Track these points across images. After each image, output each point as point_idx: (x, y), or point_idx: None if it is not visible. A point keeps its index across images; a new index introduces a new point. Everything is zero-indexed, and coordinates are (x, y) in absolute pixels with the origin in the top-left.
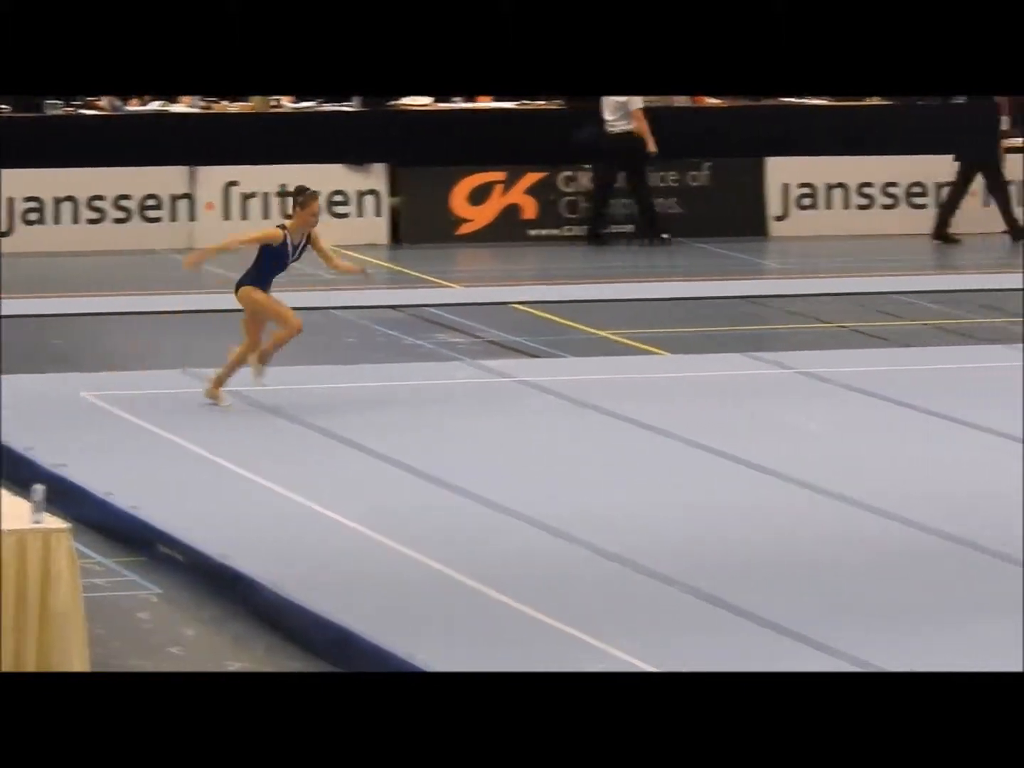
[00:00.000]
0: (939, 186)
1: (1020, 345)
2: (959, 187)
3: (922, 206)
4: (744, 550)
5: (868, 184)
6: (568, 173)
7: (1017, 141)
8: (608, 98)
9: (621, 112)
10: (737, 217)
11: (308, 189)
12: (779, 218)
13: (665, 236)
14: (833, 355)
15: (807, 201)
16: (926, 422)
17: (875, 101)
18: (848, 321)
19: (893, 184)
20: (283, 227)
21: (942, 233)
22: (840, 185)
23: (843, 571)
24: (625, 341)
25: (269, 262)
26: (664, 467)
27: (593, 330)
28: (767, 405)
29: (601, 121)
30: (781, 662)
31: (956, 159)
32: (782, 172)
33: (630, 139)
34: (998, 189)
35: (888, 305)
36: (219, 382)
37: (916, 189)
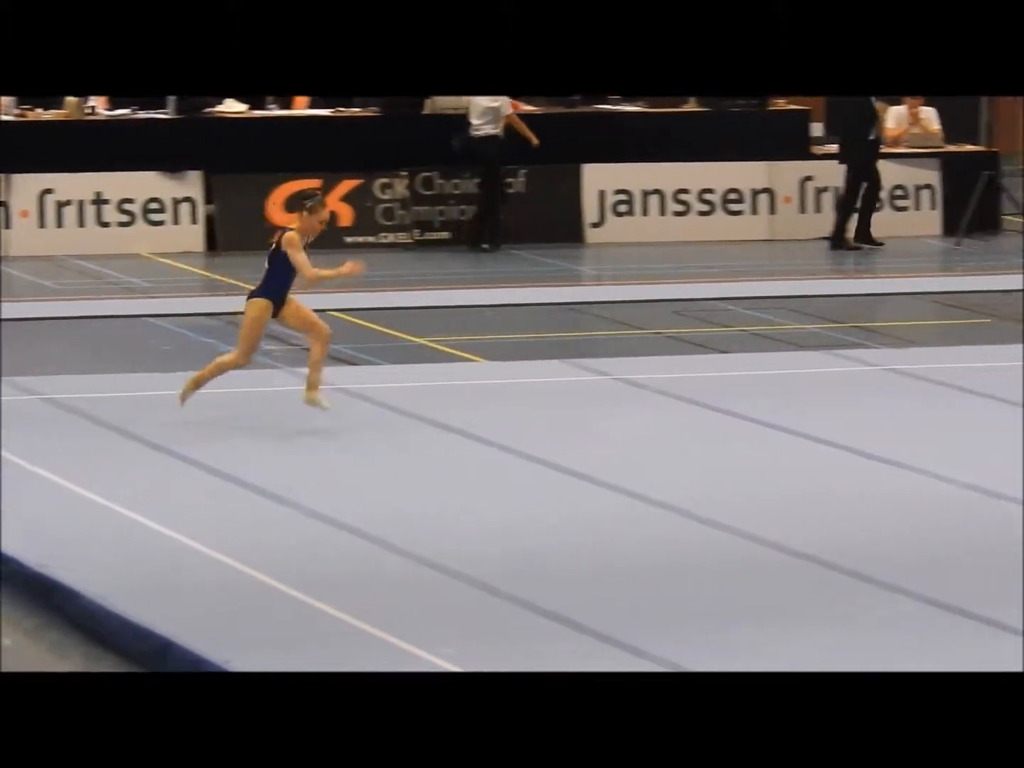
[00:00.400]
0: (755, 192)
1: (836, 351)
2: (851, 193)
3: (738, 212)
4: (562, 556)
5: (684, 191)
6: (384, 180)
7: (833, 148)
8: (476, 103)
9: (489, 116)
10: (553, 224)
11: (317, 195)
12: (595, 225)
13: (486, 247)
14: (649, 361)
15: (623, 208)
16: (743, 428)
17: (691, 108)
18: (664, 327)
19: (709, 191)
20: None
21: (846, 241)
22: (656, 192)
23: (662, 576)
24: (444, 348)
25: (282, 270)
26: (483, 474)
27: (411, 337)
28: (584, 411)
29: (468, 125)
30: (598, 667)
31: (841, 162)
32: (598, 179)
33: (494, 143)
34: (858, 196)
35: (704, 311)
36: (313, 386)
37: (732, 196)
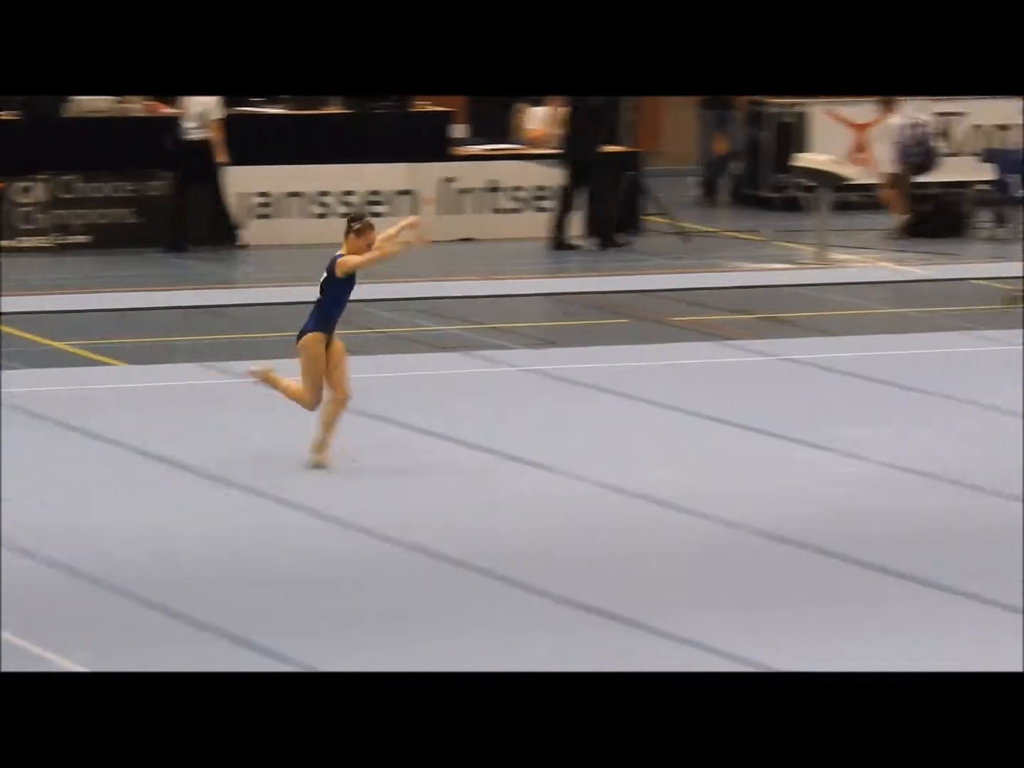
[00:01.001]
0: (396, 194)
1: (475, 352)
2: (569, 192)
3: (379, 214)
4: (199, 561)
5: (326, 192)
6: (24, 184)
7: (474, 149)
8: (189, 106)
9: (201, 120)
10: (195, 226)
11: (364, 217)
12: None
13: (240, 245)
14: (289, 364)
15: (265, 210)
16: (379, 430)
17: (333, 109)
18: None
19: (351, 192)
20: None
21: (559, 240)
22: (298, 194)
23: (301, 580)
24: (80, 352)
25: (334, 298)
26: (120, 479)
27: (47, 341)
28: (223, 415)
29: (179, 127)
30: (230, 668)
31: (564, 164)
32: (239, 181)
33: (205, 146)
34: (597, 195)
35: (345, 313)
36: (322, 447)
37: (374, 197)
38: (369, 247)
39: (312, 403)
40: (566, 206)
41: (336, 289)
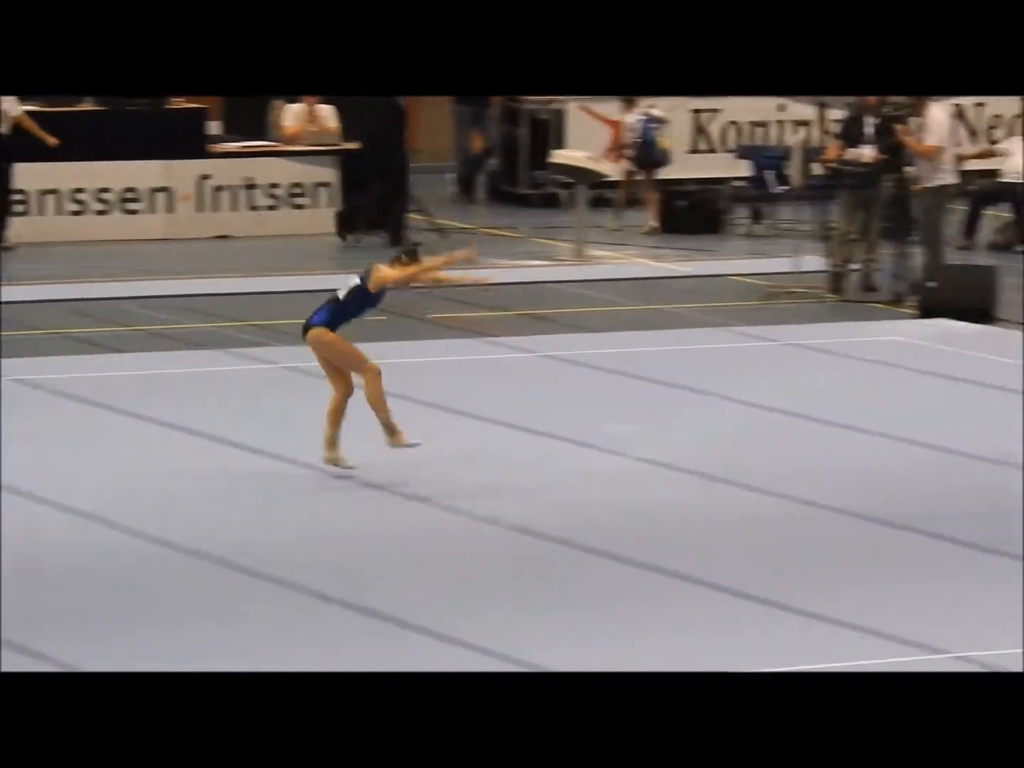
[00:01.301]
0: (152, 191)
1: (234, 350)
2: (364, 188)
3: (135, 211)
4: None
5: (80, 190)
6: None
7: (230, 146)
8: None
9: None
10: None
11: (415, 250)
12: None
13: (7, 246)
14: (46, 362)
15: (19, 207)
16: (144, 429)
17: (88, 107)
18: (62, 327)
19: (106, 190)
20: None
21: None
22: (52, 191)
23: (63, 579)
24: None
25: (356, 305)
26: None
27: None
28: None
29: None
30: None
31: (367, 165)
32: None
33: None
34: (392, 197)
35: (103, 311)
36: (331, 444)
37: (129, 194)
38: (410, 283)
39: (347, 389)
40: (357, 201)
41: (362, 299)
